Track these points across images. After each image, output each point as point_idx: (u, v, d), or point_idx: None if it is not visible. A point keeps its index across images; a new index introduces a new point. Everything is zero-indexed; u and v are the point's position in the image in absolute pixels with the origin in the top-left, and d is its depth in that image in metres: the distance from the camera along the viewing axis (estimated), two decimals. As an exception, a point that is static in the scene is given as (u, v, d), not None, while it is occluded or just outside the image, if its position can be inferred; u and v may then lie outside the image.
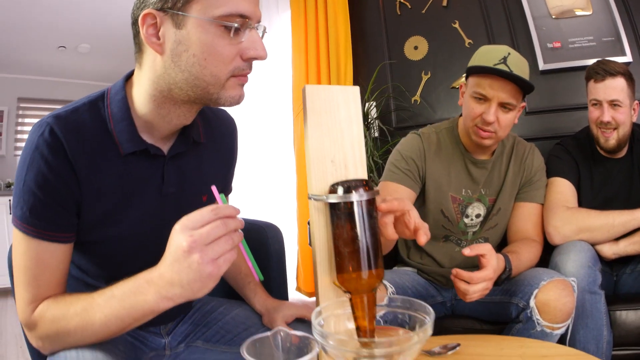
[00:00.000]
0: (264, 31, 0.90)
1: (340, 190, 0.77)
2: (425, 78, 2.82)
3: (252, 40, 0.84)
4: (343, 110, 0.86)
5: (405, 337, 0.68)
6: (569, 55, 2.60)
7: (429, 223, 1.55)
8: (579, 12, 2.62)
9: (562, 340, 1.41)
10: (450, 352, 1.00)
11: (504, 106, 1.48)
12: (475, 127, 1.53)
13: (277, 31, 3.43)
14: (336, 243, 0.77)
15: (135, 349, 1.07)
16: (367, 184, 0.77)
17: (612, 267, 1.80)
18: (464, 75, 1.62)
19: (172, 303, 0.76)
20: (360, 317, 0.75)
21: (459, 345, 1.02)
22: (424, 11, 2.87)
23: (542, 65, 2.57)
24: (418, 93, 2.82)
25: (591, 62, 2.31)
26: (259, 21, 0.86)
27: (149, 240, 0.92)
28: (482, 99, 1.49)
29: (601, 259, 1.65)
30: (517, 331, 1.39)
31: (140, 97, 0.90)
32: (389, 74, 2.91)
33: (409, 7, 2.90)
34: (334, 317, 0.79)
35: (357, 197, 0.75)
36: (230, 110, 1.16)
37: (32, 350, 0.98)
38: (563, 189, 1.74)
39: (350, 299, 0.76)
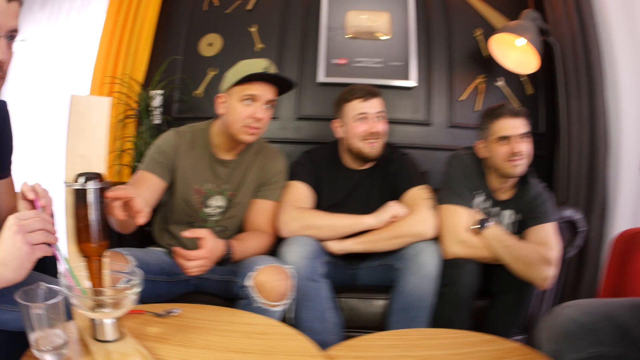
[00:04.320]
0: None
1: (80, 179, 1.08)
2: (211, 74, 3.06)
3: None
4: (95, 116, 1.17)
5: (121, 290, 1.03)
6: (352, 73, 3.02)
7: (176, 210, 1.92)
8: (381, 36, 3.05)
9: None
10: (170, 315, 1.33)
11: (269, 104, 1.86)
12: (245, 127, 1.85)
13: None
14: (76, 219, 1.08)
15: None
16: (101, 177, 1.09)
17: (350, 262, 2.16)
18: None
19: None
20: (91, 276, 1.09)
21: (180, 310, 1.35)
22: (228, 11, 3.13)
23: (322, 78, 3.01)
24: (202, 87, 3.06)
25: (374, 81, 2.88)
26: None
27: None
28: (252, 99, 1.83)
29: (340, 255, 2.02)
30: (242, 305, 1.67)
31: None
32: (181, 65, 3.10)
33: (216, 4, 3.14)
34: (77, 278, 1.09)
35: (91, 186, 1.07)
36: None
37: None
38: (298, 191, 2.08)
39: (85, 263, 1.09)
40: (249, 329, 1.31)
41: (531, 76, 3.02)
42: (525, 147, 1.99)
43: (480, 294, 1.99)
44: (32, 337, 0.95)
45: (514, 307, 1.93)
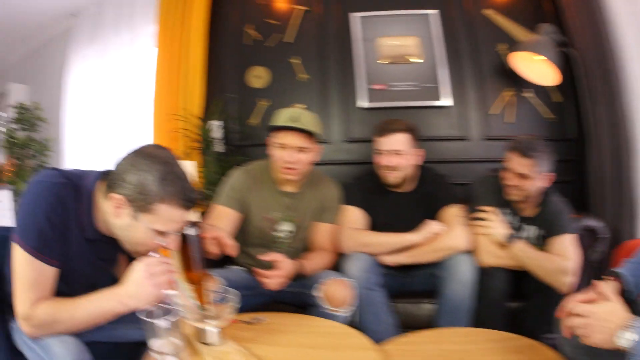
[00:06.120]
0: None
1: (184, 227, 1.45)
2: (263, 104, 3.40)
3: None
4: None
5: (222, 307, 1.42)
6: (392, 97, 3.34)
7: (251, 235, 2.31)
8: (412, 60, 3.33)
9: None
10: (258, 322, 1.73)
11: (300, 149, 2.20)
12: (280, 168, 2.24)
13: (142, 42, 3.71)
14: (183, 255, 1.46)
15: None
16: (198, 223, 1.48)
17: (403, 272, 2.46)
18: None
19: (126, 309, 1.33)
20: (198, 297, 1.46)
21: (266, 318, 1.75)
22: (271, 44, 3.46)
23: (364, 104, 3.33)
24: (257, 117, 3.40)
25: (412, 103, 3.31)
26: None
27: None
28: (282, 147, 2.20)
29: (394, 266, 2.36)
30: (313, 312, 2.07)
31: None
32: (234, 98, 3.46)
33: (259, 38, 3.48)
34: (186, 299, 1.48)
35: (192, 232, 1.46)
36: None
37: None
38: (351, 214, 2.45)
39: (192, 287, 1.48)
40: (320, 330, 1.73)
41: (558, 84, 3.17)
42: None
43: (514, 297, 2.33)
44: (155, 344, 1.30)
45: (544, 307, 2.12)
